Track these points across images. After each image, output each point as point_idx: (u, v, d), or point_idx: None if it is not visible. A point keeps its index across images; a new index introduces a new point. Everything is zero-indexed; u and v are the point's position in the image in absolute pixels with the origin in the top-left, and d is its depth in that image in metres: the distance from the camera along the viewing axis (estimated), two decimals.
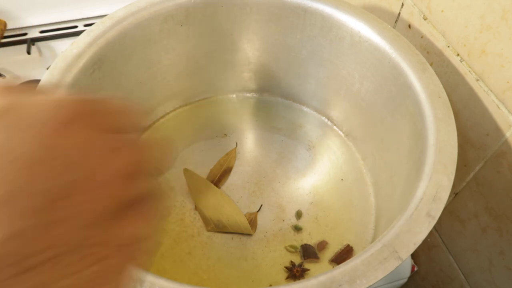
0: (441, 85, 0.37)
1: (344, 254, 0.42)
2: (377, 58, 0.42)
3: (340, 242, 0.43)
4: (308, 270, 0.41)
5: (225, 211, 0.44)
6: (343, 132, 0.52)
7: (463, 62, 0.39)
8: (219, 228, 0.43)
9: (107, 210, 0.13)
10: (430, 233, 0.28)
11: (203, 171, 0.48)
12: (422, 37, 0.44)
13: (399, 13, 0.47)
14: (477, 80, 0.38)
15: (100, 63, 0.40)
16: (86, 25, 0.66)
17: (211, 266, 0.41)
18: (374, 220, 0.45)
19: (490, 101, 0.37)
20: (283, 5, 0.46)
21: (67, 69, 0.37)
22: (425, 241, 0.28)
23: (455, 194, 0.44)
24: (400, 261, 0.27)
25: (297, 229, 0.44)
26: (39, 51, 0.64)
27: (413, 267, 0.48)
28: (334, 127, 0.53)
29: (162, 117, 0.53)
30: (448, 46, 0.41)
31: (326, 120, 0.54)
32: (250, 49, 0.51)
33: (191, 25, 0.47)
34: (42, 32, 0.64)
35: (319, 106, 0.54)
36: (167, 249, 0.42)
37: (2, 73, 0.59)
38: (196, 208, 0.45)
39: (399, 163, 0.40)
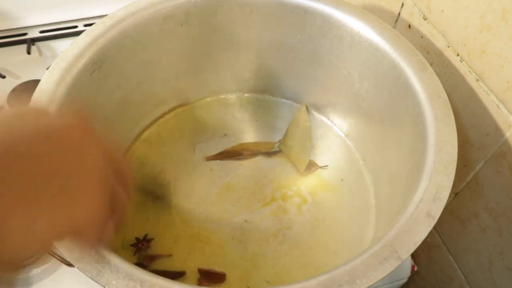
0: (441, 85, 0.37)
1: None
2: (377, 58, 0.42)
3: (340, 242, 0.43)
4: None
5: None
6: (343, 132, 0.52)
7: (463, 62, 0.39)
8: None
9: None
10: (430, 233, 0.28)
11: (203, 171, 0.48)
12: (422, 37, 0.44)
13: (399, 13, 0.47)
14: (477, 80, 0.38)
15: (100, 63, 0.40)
16: (86, 25, 0.66)
17: (211, 266, 0.41)
18: (374, 220, 0.45)
19: (490, 101, 0.37)
20: (283, 5, 0.46)
21: (67, 69, 0.37)
22: (425, 241, 0.28)
23: (455, 194, 0.44)
24: (400, 261, 0.27)
25: (297, 229, 0.44)
26: (39, 51, 0.64)
27: (413, 267, 0.48)
28: (334, 127, 0.53)
29: (162, 117, 0.53)
30: (448, 46, 0.41)
31: (326, 120, 0.54)
32: (250, 49, 0.51)
33: (191, 25, 0.47)
34: (42, 32, 0.64)
35: (319, 106, 0.54)
36: (166, 249, 0.42)
37: (2, 73, 0.59)
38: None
39: (399, 163, 0.40)
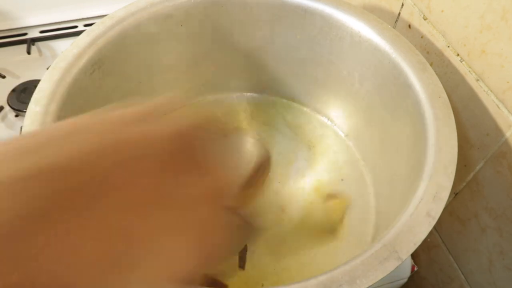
0: (441, 85, 0.37)
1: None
2: (377, 58, 0.42)
3: (340, 242, 0.43)
4: None
5: None
6: (343, 132, 0.52)
7: (463, 62, 0.39)
8: None
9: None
10: (430, 233, 0.28)
11: None
12: (422, 37, 0.44)
13: (399, 13, 0.47)
14: (477, 80, 0.38)
15: (100, 63, 0.40)
16: (86, 25, 0.66)
17: None
18: (374, 220, 0.45)
19: (490, 101, 0.37)
20: (283, 5, 0.46)
21: (67, 69, 0.37)
22: (425, 241, 0.28)
23: (455, 194, 0.44)
24: (400, 261, 0.27)
25: (298, 229, 0.44)
26: (39, 51, 0.64)
27: (413, 267, 0.48)
28: (334, 127, 0.53)
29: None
30: (448, 46, 0.41)
31: (326, 120, 0.54)
32: (250, 49, 0.51)
33: (191, 25, 0.47)
34: (42, 32, 0.65)
35: (319, 106, 0.54)
36: None
37: (2, 73, 0.59)
38: None
39: (399, 163, 0.40)
